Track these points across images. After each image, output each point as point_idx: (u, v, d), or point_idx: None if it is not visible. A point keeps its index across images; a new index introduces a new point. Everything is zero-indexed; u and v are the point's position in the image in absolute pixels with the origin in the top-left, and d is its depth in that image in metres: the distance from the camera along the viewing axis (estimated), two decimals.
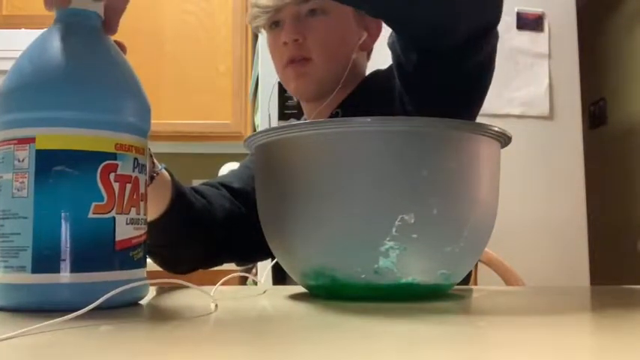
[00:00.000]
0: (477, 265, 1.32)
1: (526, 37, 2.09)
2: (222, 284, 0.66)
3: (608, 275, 2.48)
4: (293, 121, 1.20)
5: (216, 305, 0.52)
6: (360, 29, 0.99)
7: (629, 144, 2.55)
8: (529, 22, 2.10)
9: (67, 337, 0.38)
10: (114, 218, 0.50)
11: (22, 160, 0.48)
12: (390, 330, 0.41)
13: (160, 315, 0.49)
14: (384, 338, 0.38)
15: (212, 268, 2.16)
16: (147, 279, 0.53)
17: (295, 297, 0.63)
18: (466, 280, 0.96)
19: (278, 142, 0.60)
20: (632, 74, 2.46)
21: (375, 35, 1.02)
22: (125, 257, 0.51)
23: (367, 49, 1.03)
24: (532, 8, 2.10)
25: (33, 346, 0.35)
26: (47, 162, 0.48)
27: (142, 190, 0.53)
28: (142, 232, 0.53)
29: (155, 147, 2.73)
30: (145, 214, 0.54)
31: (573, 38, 2.12)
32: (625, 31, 2.49)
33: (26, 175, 0.48)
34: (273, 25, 0.98)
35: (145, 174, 0.54)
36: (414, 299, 0.58)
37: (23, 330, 0.37)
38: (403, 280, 0.56)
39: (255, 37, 2.59)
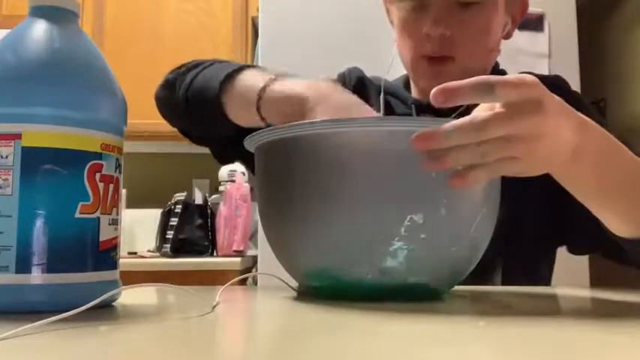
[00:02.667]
0: None
1: (526, 37, 2.08)
2: (223, 285, 0.65)
3: (608, 275, 2.48)
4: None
5: (216, 305, 0.52)
6: (506, 14, 0.89)
7: (630, 144, 2.54)
8: (529, 22, 2.09)
9: (67, 337, 0.37)
10: (98, 219, 0.49)
11: (6, 157, 0.47)
12: (391, 330, 0.41)
13: (159, 315, 0.49)
14: (385, 338, 0.38)
15: (212, 268, 2.16)
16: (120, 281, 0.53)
17: (296, 297, 0.63)
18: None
19: (284, 141, 0.59)
20: (632, 74, 2.45)
21: (518, 20, 0.92)
22: (107, 258, 0.50)
23: (509, 38, 0.92)
24: (532, 8, 2.09)
25: (32, 346, 0.35)
26: (34, 160, 0.47)
27: (119, 191, 0.53)
28: (118, 233, 0.53)
29: (156, 147, 2.71)
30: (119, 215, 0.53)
31: (573, 38, 2.11)
32: (625, 31, 2.48)
33: (10, 172, 0.47)
34: (418, 7, 0.84)
35: (121, 174, 0.54)
36: (417, 299, 0.58)
37: (18, 329, 0.37)
38: (409, 280, 0.56)
39: (255, 37, 2.59)
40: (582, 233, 0.83)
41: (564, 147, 0.54)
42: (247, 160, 0.90)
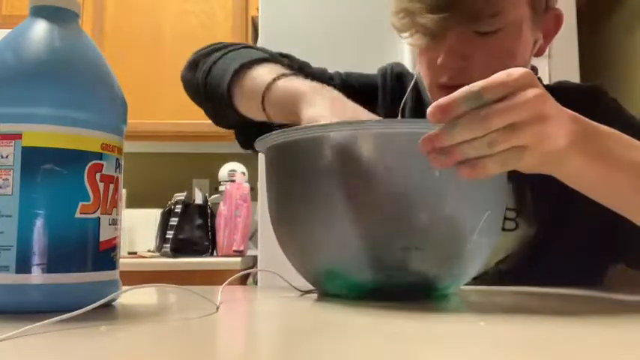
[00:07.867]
0: None
1: None
2: (221, 284, 0.65)
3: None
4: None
5: (218, 305, 0.52)
6: (536, 32, 0.81)
7: None
8: None
9: (67, 337, 0.37)
10: (99, 219, 0.49)
11: (7, 157, 0.47)
12: (392, 330, 0.42)
13: (159, 315, 0.49)
14: (385, 338, 0.38)
15: (212, 268, 2.16)
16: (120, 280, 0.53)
17: (296, 297, 0.63)
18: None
19: (293, 143, 0.59)
20: (632, 74, 2.45)
21: (552, 34, 0.83)
22: (107, 258, 0.50)
23: (542, 54, 0.84)
24: None
25: (32, 346, 0.35)
26: (34, 159, 0.47)
27: (119, 191, 0.53)
28: (118, 233, 0.53)
29: (156, 147, 2.71)
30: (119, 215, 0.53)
31: (573, 38, 2.11)
32: (625, 31, 2.48)
33: (10, 172, 0.47)
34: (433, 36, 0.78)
35: (121, 174, 0.54)
36: (420, 299, 0.58)
37: (18, 330, 0.37)
38: (414, 281, 0.57)
39: (256, 38, 2.59)
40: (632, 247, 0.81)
41: (565, 136, 0.52)
42: None
